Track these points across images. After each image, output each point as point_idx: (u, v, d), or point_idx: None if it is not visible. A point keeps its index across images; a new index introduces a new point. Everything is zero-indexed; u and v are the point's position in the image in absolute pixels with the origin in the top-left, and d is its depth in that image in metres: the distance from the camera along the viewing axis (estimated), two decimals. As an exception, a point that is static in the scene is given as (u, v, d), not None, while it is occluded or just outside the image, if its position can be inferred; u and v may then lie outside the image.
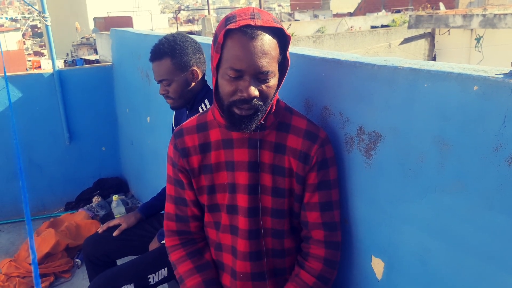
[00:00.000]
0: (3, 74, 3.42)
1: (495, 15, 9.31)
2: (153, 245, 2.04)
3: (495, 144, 0.98)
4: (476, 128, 1.02)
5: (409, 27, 11.14)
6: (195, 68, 1.83)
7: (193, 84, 1.85)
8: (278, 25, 1.19)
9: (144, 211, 2.18)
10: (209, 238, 1.49)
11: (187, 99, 1.86)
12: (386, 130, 1.25)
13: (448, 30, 10.59)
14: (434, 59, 10.93)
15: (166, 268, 1.87)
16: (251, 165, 1.34)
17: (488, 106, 0.99)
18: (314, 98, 1.50)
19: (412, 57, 10.85)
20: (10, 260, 2.98)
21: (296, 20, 23.97)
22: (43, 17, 3.57)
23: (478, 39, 10.14)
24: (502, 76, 0.97)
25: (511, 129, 0.95)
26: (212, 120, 1.38)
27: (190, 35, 1.93)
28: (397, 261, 1.30)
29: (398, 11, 23.12)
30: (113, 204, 2.60)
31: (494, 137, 0.98)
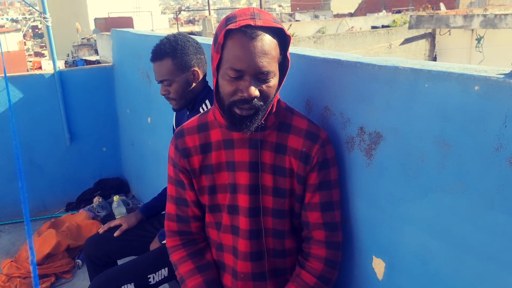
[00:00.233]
0: (3, 75, 3.43)
1: (495, 15, 9.30)
2: (154, 245, 2.04)
3: (496, 144, 0.98)
4: (477, 128, 1.02)
5: (410, 27, 11.14)
6: (196, 68, 1.83)
7: (194, 84, 1.85)
8: (279, 25, 1.19)
9: (145, 211, 2.18)
10: (210, 238, 1.49)
11: (188, 100, 1.86)
12: (387, 130, 1.25)
13: (449, 31, 10.58)
14: (434, 59, 10.93)
15: (166, 268, 1.87)
16: (252, 165, 1.34)
17: (489, 106, 0.98)
18: (315, 99, 1.50)
19: (412, 58, 10.84)
20: (11, 261, 2.98)
21: (296, 20, 23.97)
22: (44, 17, 3.57)
23: (478, 39, 10.13)
24: (503, 76, 0.97)
25: (512, 129, 0.95)
26: (213, 120, 1.38)
27: (191, 36, 1.93)
28: (398, 261, 1.29)
29: (398, 12, 23.11)
30: (114, 205, 2.60)
31: (495, 137, 0.98)
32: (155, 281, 1.86)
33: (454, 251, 1.12)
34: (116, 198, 2.59)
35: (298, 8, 32.80)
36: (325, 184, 1.34)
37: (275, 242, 1.41)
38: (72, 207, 3.88)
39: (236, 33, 1.16)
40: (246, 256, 1.39)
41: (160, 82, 1.84)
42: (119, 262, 2.11)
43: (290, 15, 28.27)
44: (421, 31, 11.79)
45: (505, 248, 1.00)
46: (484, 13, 9.88)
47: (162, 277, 1.87)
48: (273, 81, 1.22)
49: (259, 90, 1.20)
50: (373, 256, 1.38)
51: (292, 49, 1.66)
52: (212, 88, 1.30)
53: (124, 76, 3.66)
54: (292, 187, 1.35)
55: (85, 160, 3.96)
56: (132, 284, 1.79)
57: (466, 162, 1.05)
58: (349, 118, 1.37)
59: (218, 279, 1.48)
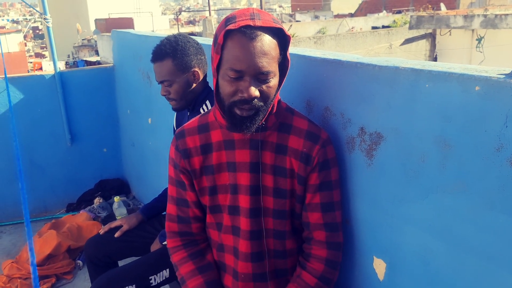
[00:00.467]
0: (4, 76, 3.43)
1: (496, 15, 9.30)
2: (155, 246, 2.04)
3: (496, 144, 0.98)
4: (477, 129, 1.02)
5: (410, 27, 11.13)
6: (196, 69, 1.83)
7: (194, 85, 1.85)
8: (278, 25, 1.19)
9: (145, 212, 2.18)
10: (211, 239, 1.49)
11: (188, 100, 1.86)
12: (388, 130, 1.25)
13: (449, 31, 10.58)
14: (435, 59, 10.92)
15: (168, 269, 1.87)
16: (253, 166, 1.34)
17: (489, 106, 0.98)
18: (315, 99, 1.50)
19: (413, 58, 10.85)
20: (12, 262, 2.98)
21: (297, 21, 23.98)
22: (45, 18, 3.57)
23: (479, 40, 10.13)
24: (504, 76, 0.97)
25: (512, 129, 0.95)
26: (213, 121, 1.38)
27: (191, 36, 1.93)
28: (399, 261, 1.29)
29: (399, 12, 23.11)
30: (115, 206, 2.60)
31: (496, 137, 0.98)
32: (156, 283, 1.86)
33: (455, 251, 1.12)
34: (116, 199, 2.59)
35: (298, 9, 32.80)
36: (325, 185, 1.34)
37: (276, 243, 1.41)
38: (72, 208, 3.88)
39: (236, 33, 1.16)
40: (247, 257, 1.39)
41: (161, 82, 1.84)
42: (120, 263, 2.11)
43: (291, 15, 28.28)
44: (422, 32, 11.78)
45: (506, 248, 1.00)
46: (485, 13, 9.88)
47: (164, 278, 1.87)
48: (273, 81, 1.22)
49: (259, 91, 1.20)
50: (374, 257, 1.38)
51: (292, 49, 1.66)
52: (213, 89, 1.30)
53: (125, 77, 3.66)
54: (293, 187, 1.35)
55: (85, 161, 3.96)
56: (134, 285, 1.79)
57: (466, 162, 1.05)
58: (349, 118, 1.37)
59: (218, 279, 1.48)
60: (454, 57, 10.42)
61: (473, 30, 10.09)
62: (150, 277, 1.84)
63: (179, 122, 2.07)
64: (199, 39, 2.05)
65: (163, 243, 1.95)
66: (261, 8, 19.10)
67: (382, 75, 1.24)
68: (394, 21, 19.41)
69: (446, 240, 1.13)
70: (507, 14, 9.12)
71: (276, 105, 1.31)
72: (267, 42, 1.17)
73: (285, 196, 1.36)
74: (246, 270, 1.41)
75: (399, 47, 12.86)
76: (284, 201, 1.36)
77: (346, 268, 1.50)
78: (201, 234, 1.51)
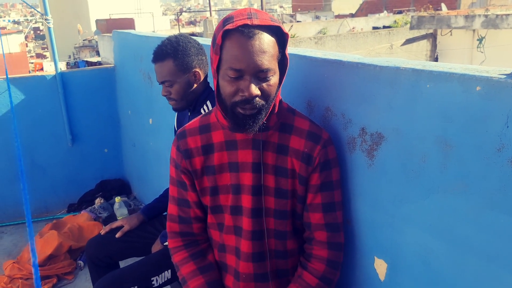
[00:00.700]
0: (5, 77, 3.43)
1: (497, 15, 9.29)
2: (156, 246, 2.04)
3: (498, 144, 0.98)
4: (478, 129, 1.01)
5: (411, 28, 11.12)
6: (197, 69, 1.83)
7: (195, 85, 1.85)
8: (276, 23, 1.19)
9: (146, 212, 2.18)
10: (213, 239, 1.49)
11: (189, 101, 1.86)
12: (389, 131, 1.24)
13: (450, 31, 10.57)
14: (436, 59, 10.91)
15: (169, 270, 1.87)
16: (255, 166, 1.34)
17: (490, 106, 0.98)
18: (316, 99, 1.50)
19: (414, 58, 10.83)
20: (13, 262, 2.99)
21: (297, 21, 23.98)
22: (46, 19, 3.58)
23: (480, 40, 10.12)
24: (505, 76, 0.97)
25: (513, 130, 0.95)
26: (215, 122, 1.38)
27: (192, 37, 1.93)
28: (400, 262, 1.29)
29: (399, 12, 23.10)
30: (116, 206, 2.60)
31: (497, 137, 0.98)
32: (158, 284, 1.86)
33: (456, 252, 1.12)
34: (117, 199, 2.59)
35: (299, 9, 32.80)
36: (327, 185, 1.34)
37: (277, 243, 1.41)
38: (74, 208, 3.88)
39: (234, 33, 1.17)
40: (248, 257, 1.39)
41: (162, 83, 1.84)
42: (121, 263, 2.11)
43: (291, 15, 28.27)
44: (422, 32, 11.77)
45: (507, 249, 1.00)
46: (486, 13, 9.87)
47: (165, 279, 1.87)
48: (274, 79, 1.22)
49: (260, 89, 1.20)
50: (375, 257, 1.38)
51: (293, 49, 1.66)
52: (214, 90, 1.30)
53: (126, 78, 3.66)
54: (294, 188, 1.35)
55: (86, 162, 3.96)
56: (136, 287, 1.79)
57: (467, 163, 1.05)
58: (350, 118, 1.37)
59: (220, 280, 1.48)
60: (455, 57, 10.41)
61: (474, 30, 10.09)
62: (152, 278, 1.84)
63: (180, 123, 2.07)
64: (200, 40, 2.05)
65: (164, 244, 1.95)
66: (262, 8, 19.10)
67: (383, 76, 1.24)
68: (395, 21, 19.40)
69: (447, 240, 1.13)
70: (508, 14, 9.11)
71: (277, 104, 1.31)
72: (265, 40, 1.17)
73: (286, 196, 1.36)
74: (247, 270, 1.41)
75: (400, 48, 12.86)
76: (286, 201, 1.36)
77: (347, 268, 1.49)
78: (202, 235, 1.51)
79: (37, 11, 4.06)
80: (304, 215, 1.38)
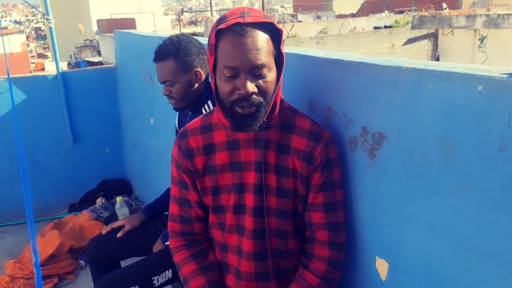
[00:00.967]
0: (7, 76, 3.44)
1: (498, 15, 9.28)
2: (157, 246, 2.04)
3: (499, 144, 0.98)
4: (480, 128, 1.01)
5: (412, 27, 11.12)
6: (198, 69, 1.83)
7: (196, 85, 1.85)
8: (268, 20, 1.20)
9: (147, 212, 2.18)
10: (214, 239, 1.49)
11: (190, 100, 1.86)
12: (390, 130, 1.24)
13: (452, 31, 10.57)
14: (437, 59, 10.91)
15: (170, 270, 1.87)
16: (258, 165, 1.34)
17: (492, 106, 0.98)
18: (318, 99, 1.50)
19: (415, 58, 10.83)
20: (15, 262, 2.99)
21: (299, 21, 23.98)
22: (47, 19, 3.58)
23: (481, 39, 10.11)
24: (507, 76, 0.97)
25: (515, 129, 0.95)
26: (217, 122, 1.38)
27: (193, 37, 1.93)
28: (402, 261, 1.29)
29: (401, 12, 23.09)
30: (117, 206, 2.60)
31: (499, 137, 0.98)
32: (159, 283, 1.86)
33: (457, 252, 1.12)
34: (119, 199, 2.59)
35: (300, 9, 32.79)
36: (328, 184, 1.34)
37: (278, 243, 1.41)
38: (75, 208, 3.88)
39: (227, 32, 1.18)
40: (250, 256, 1.39)
41: (163, 82, 1.84)
42: (122, 263, 2.12)
43: (293, 15, 28.28)
44: (424, 31, 11.77)
45: (509, 248, 1.00)
46: (487, 13, 9.86)
47: (166, 279, 1.87)
48: (270, 76, 1.22)
49: (257, 86, 1.20)
50: (377, 257, 1.38)
51: (294, 49, 1.66)
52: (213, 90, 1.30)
53: (127, 77, 3.66)
54: (296, 187, 1.35)
55: (88, 161, 3.96)
56: (137, 286, 1.79)
57: (469, 162, 1.05)
58: (352, 118, 1.37)
59: (221, 279, 1.48)
60: (457, 57, 10.41)
61: (475, 30, 10.08)
62: (153, 278, 1.84)
63: (181, 122, 2.07)
64: (201, 40, 2.05)
65: (165, 243, 1.95)
66: (263, 8, 19.10)
67: (385, 75, 1.23)
68: (396, 21, 19.39)
69: (449, 240, 1.13)
70: (510, 14, 9.11)
71: (278, 103, 1.31)
72: (258, 37, 1.18)
73: (288, 195, 1.35)
74: (249, 269, 1.41)
75: (401, 47, 12.86)
76: (287, 200, 1.36)
77: (348, 268, 1.49)
78: (203, 234, 1.51)
79: (39, 11, 4.06)
80: (305, 214, 1.38)
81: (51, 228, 3.28)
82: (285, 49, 1.65)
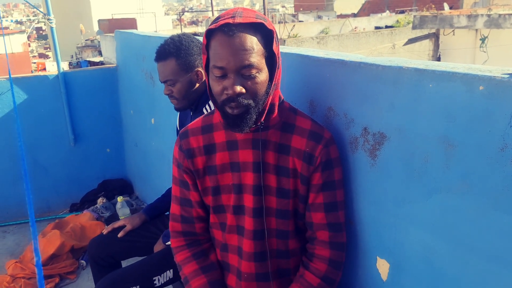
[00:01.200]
0: (8, 76, 3.44)
1: (500, 15, 9.27)
2: (158, 246, 2.04)
3: (501, 144, 0.98)
4: (481, 129, 1.01)
5: (413, 27, 11.11)
6: (199, 69, 1.83)
7: (197, 85, 1.85)
8: (259, 20, 1.20)
9: (148, 212, 2.18)
10: (215, 239, 1.49)
11: (191, 100, 1.86)
12: (391, 130, 1.24)
13: (453, 31, 10.55)
14: (438, 59, 10.90)
15: (171, 270, 1.87)
16: (256, 166, 1.34)
17: (493, 106, 0.98)
18: (319, 99, 1.50)
19: (416, 58, 10.83)
20: (16, 261, 3.00)
21: (300, 21, 23.98)
22: (48, 19, 3.58)
23: (483, 39, 10.10)
24: (508, 76, 0.96)
25: (517, 129, 0.94)
26: (218, 122, 1.38)
27: (195, 36, 1.93)
28: (403, 262, 1.29)
29: (402, 12, 23.06)
30: (118, 206, 2.60)
31: (500, 137, 0.98)
32: (160, 283, 1.86)
33: (458, 252, 1.12)
34: (120, 199, 2.59)
35: (301, 9, 32.77)
36: (328, 185, 1.34)
37: (279, 243, 1.41)
38: (76, 208, 3.89)
39: (217, 32, 1.19)
40: (250, 257, 1.39)
41: (164, 82, 1.84)
42: (123, 263, 2.12)
43: (294, 15, 28.27)
44: (425, 31, 11.76)
45: (510, 249, 1.00)
46: (488, 13, 9.85)
47: (167, 279, 1.87)
48: (260, 77, 1.21)
49: (245, 87, 1.20)
50: (377, 257, 1.37)
51: (295, 49, 1.66)
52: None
53: (128, 77, 3.67)
54: (296, 187, 1.35)
55: (89, 161, 3.97)
56: (138, 286, 1.79)
57: (470, 163, 1.05)
58: (353, 118, 1.37)
59: (222, 279, 1.48)
60: (458, 57, 10.40)
61: (476, 30, 10.07)
62: (154, 278, 1.84)
63: (182, 122, 2.07)
64: (202, 39, 2.05)
65: (167, 243, 1.95)
66: (264, 8, 19.09)
67: (386, 75, 1.23)
68: (397, 21, 19.37)
69: (450, 240, 1.13)
70: (511, 14, 9.09)
71: (277, 104, 1.31)
72: (246, 37, 1.18)
73: (288, 196, 1.35)
74: (249, 269, 1.41)
75: (402, 47, 12.85)
76: (287, 201, 1.36)
77: (349, 268, 1.49)
78: (204, 234, 1.51)
79: (40, 11, 4.06)
80: (306, 214, 1.38)
81: (52, 228, 3.28)
82: (286, 49, 1.66)
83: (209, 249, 1.50)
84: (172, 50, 1.78)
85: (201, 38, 2.03)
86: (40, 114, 3.68)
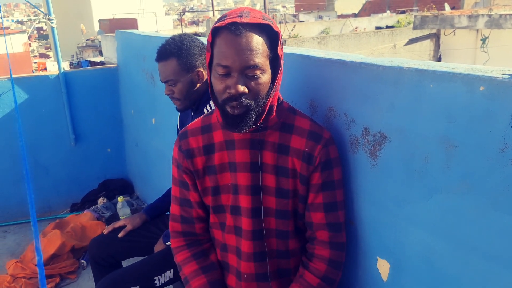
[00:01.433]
0: (9, 76, 3.44)
1: (500, 15, 9.27)
2: (158, 246, 2.04)
3: (501, 144, 0.98)
4: (482, 129, 1.01)
5: (414, 27, 11.10)
6: (201, 69, 1.83)
7: (198, 85, 1.85)
8: (266, 22, 1.19)
9: (149, 212, 2.18)
10: (215, 239, 1.49)
11: (192, 100, 1.86)
12: (392, 131, 1.24)
13: (454, 31, 10.55)
14: (439, 59, 10.89)
15: (171, 270, 1.87)
16: (253, 166, 1.34)
17: (494, 106, 0.98)
18: (319, 99, 1.50)
19: (417, 58, 10.83)
20: (16, 261, 3.00)
21: (300, 21, 23.98)
22: (49, 19, 3.59)
23: (483, 40, 10.09)
24: (508, 76, 0.96)
25: (517, 130, 0.94)
26: (216, 122, 1.38)
27: (196, 36, 1.93)
28: (403, 262, 1.29)
29: (402, 12, 23.06)
30: (118, 205, 2.60)
31: (501, 137, 0.98)
32: (160, 283, 1.86)
33: (459, 252, 1.11)
34: (120, 199, 2.59)
35: (302, 9, 32.77)
36: (328, 185, 1.34)
37: (279, 243, 1.41)
38: (76, 207, 3.89)
39: (223, 30, 1.18)
40: (249, 257, 1.39)
41: (165, 82, 1.84)
42: (124, 263, 2.12)
43: (294, 15, 28.28)
44: (426, 32, 11.75)
45: (510, 249, 1.00)
46: (489, 13, 9.84)
47: (168, 279, 1.88)
48: (263, 78, 1.22)
49: (248, 87, 1.20)
50: (378, 257, 1.37)
51: (296, 49, 1.66)
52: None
53: (129, 77, 3.67)
54: (295, 187, 1.35)
55: (89, 161, 3.97)
56: (138, 286, 1.79)
57: (471, 163, 1.05)
58: (353, 118, 1.37)
59: (222, 279, 1.48)
60: (459, 57, 10.39)
61: (477, 30, 10.06)
62: (154, 278, 1.84)
63: (182, 123, 2.07)
64: (203, 39, 2.05)
65: (167, 244, 1.95)
66: (265, 8, 19.09)
67: (386, 75, 1.23)
68: (398, 21, 19.38)
69: (450, 240, 1.13)
70: (512, 14, 9.09)
71: (276, 105, 1.31)
72: (252, 37, 1.18)
73: (287, 196, 1.35)
74: (249, 270, 1.41)
75: (403, 47, 12.85)
76: (287, 201, 1.36)
77: (349, 268, 1.49)
78: (204, 234, 1.51)
79: (41, 11, 4.06)
80: (305, 214, 1.38)
81: (53, 227, 3.28)
82: (287, 49, 1.65)
83: (209, 249, 1.50)
84: (173, 50, 1.78)
85: (202, 38, 2.03)
86: (41, 114, 3.68)
